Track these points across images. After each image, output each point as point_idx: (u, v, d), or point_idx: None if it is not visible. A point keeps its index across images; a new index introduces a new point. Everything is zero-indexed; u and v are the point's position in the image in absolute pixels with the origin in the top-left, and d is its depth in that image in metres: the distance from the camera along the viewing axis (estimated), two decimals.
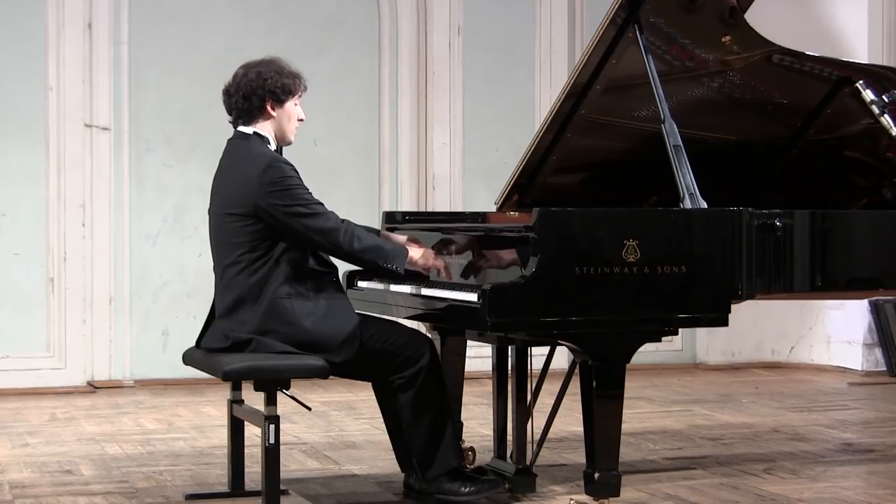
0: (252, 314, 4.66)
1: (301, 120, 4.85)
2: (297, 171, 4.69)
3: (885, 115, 5.48)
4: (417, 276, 4.90)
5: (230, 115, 4.83)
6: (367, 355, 4.66)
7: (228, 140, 4.85)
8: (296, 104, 4.82)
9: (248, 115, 4.77)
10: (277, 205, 4.61)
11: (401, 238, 4.91)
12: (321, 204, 4.68)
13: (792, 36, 6.23)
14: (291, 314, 4.64)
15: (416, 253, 4.78)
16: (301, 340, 4.63)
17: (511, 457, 5.12)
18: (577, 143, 5.36)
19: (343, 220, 4.67)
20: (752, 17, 5.28)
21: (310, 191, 4.68)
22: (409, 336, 4.76)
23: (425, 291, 4.84)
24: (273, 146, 4.79)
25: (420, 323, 5.33)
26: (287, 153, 4.89)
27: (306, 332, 4.63)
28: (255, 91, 4.74)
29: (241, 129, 4.81)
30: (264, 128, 4.79)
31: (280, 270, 4.66)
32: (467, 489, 4.79)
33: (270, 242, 4.66)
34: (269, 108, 4.76)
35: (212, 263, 4.89)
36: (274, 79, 4.75)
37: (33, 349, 8.08)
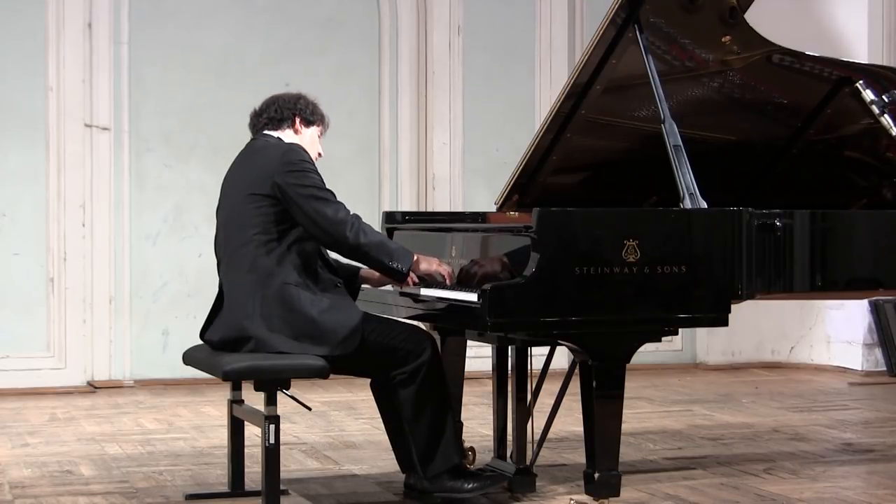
0: (257, 294, 4.66)
1: (320, 155, 4.92)
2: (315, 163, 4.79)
3: (885, 115, 5.49)
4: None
5: (254, 129, 4.91)
6: (368, 350, 4.67)
7: (248, 141, 4.89)
8: (320, 135, 4.94)
9: (277, 123, 4.88)
10: (294, 184, 4.64)
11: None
12: (334, 194, 4.70)
13: (792, 36, 6.23)
14: (297, 301, 4.64)
15: (420, 255, 4.79)
16: (304, 330, 4.63)
17: (511, 457, 5.13)
18: (577, 143, 5.37)
19: (352, 214, 4.68)
20: (752, 17, 5.28)
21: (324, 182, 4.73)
22: (410, 332, 4.77)
23: (425, 291, 4.83)
24: None
25: (420, 323, 5.33)
26: None
27: (311, 321, 4.63)
28: (287, 106, 4.89)
29: (266, 132, 4.87)
30: (288, 137, 4.86)
31: (290, 259, 4.68)
32: (470, 486, 4.79)
33: (284, 227, 4.68)
34: (296, 123, 4.88)
35: (212, 264, 4.89)
36: (306, 102, 4.93)
37: (33, 349, 8.08)
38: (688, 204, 4.76)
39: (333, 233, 4.65)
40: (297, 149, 4.74)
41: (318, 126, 4.93)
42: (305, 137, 4.88)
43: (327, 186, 4.70)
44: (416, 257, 4.75)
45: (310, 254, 4.73)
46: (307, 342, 4.63)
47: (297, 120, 4.87)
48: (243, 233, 4.72)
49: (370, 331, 4.68)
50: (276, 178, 4.66)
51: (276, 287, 4.65)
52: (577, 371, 4.71)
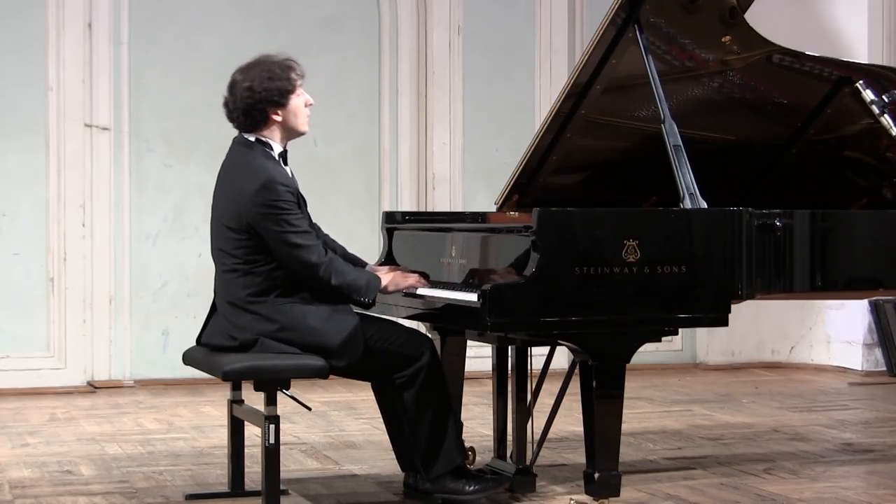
0: (252, 322, 4.65)
1: (310, 104, 4.77)
2: (292, 192, 4.64)
3: (885, 115, 5.48)
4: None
5: (232, 124, 4.79)
6: (367, 355, 4.66)
7: (232, 142, 4.82)
8: (299, 95, 4.73)
9: (252, 126, 4.74)
10: (267, 227, 4.59)
11: (382, 271, 4.87)
12: (310, 233, 4.66)
13: (792, 36, 6.23)
14: (293, 318, 4.63)
15: (385, 279, 4.77)
16: (306, 343, 4.62)
17: (511, 457, 5.12)
18: (577, 143, 5.36)
19: (326, 254, 4.65)
20: (752, 17, 5.28)
21: (301, 215, 4.65)
22: (409, 335, 4.76)
23: (425, 292, 4.83)
24: (278, 149, 4.74)
25: (420, 323, 5.33)
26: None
27: (311, 333, 4.62)
28: (254, 106, 4.68)
29: (245, 135, 4.76)
30: (268, 134, 4.74)
31: (277, 282, 4.65)
32: (471, 487, 4.79)
33: (265, 257, 4.65)
34: (272, 115, 4.71)
35: (212, 263, 4.89)
36: (267, 88, 4.67)
37: (33, 349, 8.08)
38: (688, 204, 4.76)
39: (306, 276, 4.63)
40: (270, 186, 4.58)
41: (294, 92, 4.70)
42: (288, 116, 4.71)
43: (313, 193, 4.65)
44: (381, 283, 4.73)
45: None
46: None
47: (270, 113, 4.68)
48: (227, 261, 4.70)
49: (369, 336, 4.67)
50: (250, 219, 4.60)
51: (268, 311, 4.64)
52: (577, 371, 4.71)
